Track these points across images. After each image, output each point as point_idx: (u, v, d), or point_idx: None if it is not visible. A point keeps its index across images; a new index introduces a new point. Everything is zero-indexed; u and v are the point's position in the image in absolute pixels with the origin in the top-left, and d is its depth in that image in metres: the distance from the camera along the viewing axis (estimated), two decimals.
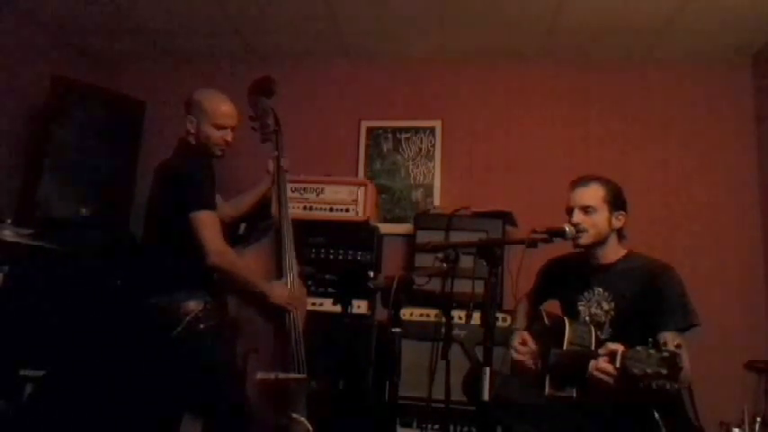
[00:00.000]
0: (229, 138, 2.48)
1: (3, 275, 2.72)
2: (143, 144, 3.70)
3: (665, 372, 1.67)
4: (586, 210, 2.22)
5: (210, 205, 2.29)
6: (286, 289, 2.51)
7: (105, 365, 2.91)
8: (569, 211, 2.25)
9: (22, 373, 2.74)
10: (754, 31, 3.41)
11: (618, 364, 1.82)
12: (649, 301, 2.11)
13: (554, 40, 3.62)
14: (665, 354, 1.68)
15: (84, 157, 3.38)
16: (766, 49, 3.57)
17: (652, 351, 1.70)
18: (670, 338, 1.94)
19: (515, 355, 2.33)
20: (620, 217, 2.26)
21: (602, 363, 1.89)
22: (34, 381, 2.75)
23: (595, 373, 1.91)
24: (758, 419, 2.91)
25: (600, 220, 2.22)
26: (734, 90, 3.70)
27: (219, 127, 2.44)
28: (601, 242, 2.25)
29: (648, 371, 1.69)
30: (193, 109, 2.44)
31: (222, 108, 2.45)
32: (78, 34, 3.85)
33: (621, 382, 1.85)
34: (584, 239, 2.22)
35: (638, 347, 1.75)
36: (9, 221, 2.83)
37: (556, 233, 2.06)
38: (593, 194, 2.23)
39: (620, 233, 2.30)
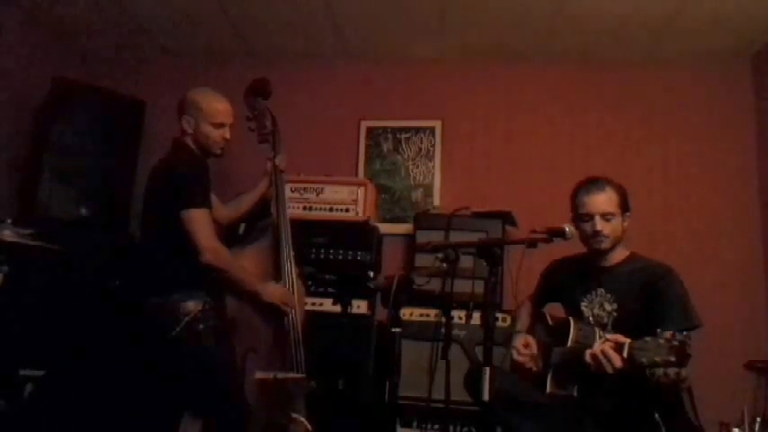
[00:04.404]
0: (228, 135, 2.49)
1: (3, 275, 2.72)
2: (143, 144, 3.69)
3: (673, 359, 1.70)
4: (606, 216, 2.22)
5: (203, 203, 2.28)
6: (280, 288, 2.51)
7: (105, 366, 2.91)
8: (587, 217, 2.23)
9: (22, 373, 2.74)
10: (754, 31, 3.41)
11: (625, 355, 1.83)
12: (651, 303, 2.12)
13: (554, 40, 3.61)
14: (675, 342, 1.71)
15: (84, 157, 3.37)
16: (766, 49, 3.57)
17: (661, 341, 1.73)
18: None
19: (516, 356, 2.33)
20: (627, 218, 2.29)
21: (607, 347, 1.89)
22: (34, 381, 2.75)
23: (598, 352, 1.90)
24: (758, 419, 2.91)
25: (617, 224, 2.24)
26: (734, 90, 3.70)
27: (218, 125, 2.45)
28: (615, 245, 2.27)
29: (657, 359, 1.73)
30: (189, 109, 2.44)
31: (219, 106, 2.46)
32: (78, 34, 3.85)
33: (627, 373, 1.86)
34: (606, 244, 2.23)
35: (647, 338, 1.78)
36: (9, 221, 2.83)
37: (556, 233, 2.05)
38: (610, 200, 2.24)
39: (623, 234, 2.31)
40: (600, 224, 2.21)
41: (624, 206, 2.27)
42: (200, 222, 2.24)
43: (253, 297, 2.41)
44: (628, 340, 1.85)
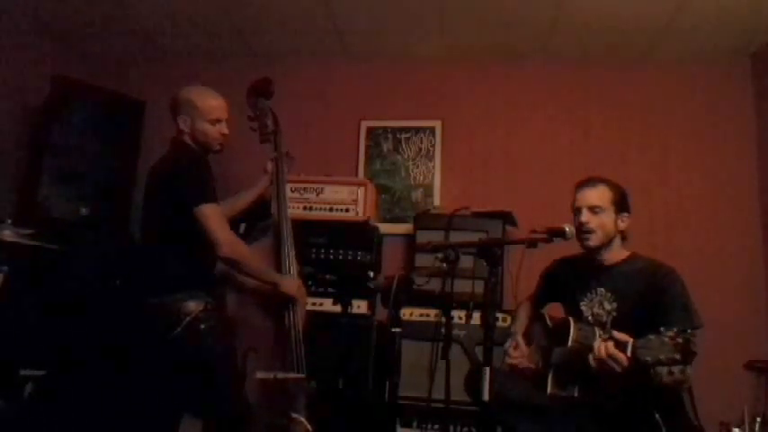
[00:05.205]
0: (225, 130, 2.48)
1: (3, 275, 2.72)
2: (143, 144, 3.69)
3: (678, 357, 1.71)
4: (594, 209, 2.24)
5: (212, 198, 2.28)
6: (295, 280, 2.52)
7: (105, 366, 2.91)
8: (577, 211, 2.27)
9: (22, 373, 2.74)
10: (754, 31, 3.41)
11: (629, 353, 1.83)
12: (651, 302, 2.13)
13: (554, 39, 3.62)
14: (679, 340, 1.71)
15: (84, 157, 3.38)
16: (765, 49, 3.57)
17: (665, 339, 1.74)
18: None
19: (508, 360, 2.35)
20: (624, 219, 2.29)
21: (611, 346, 1.89)
22: (34, 381, 2.75)
23: (604, 354, 1.89)
24: (758, 419, 2.91)
25: (607, 220, 2.24)
26: (734, 90, 3.70)
27: (215, 121, 2.45)
28: (607, 243, 2.27)
29: (661, 357, 1.73)
30: (184, 108, 2.43)
31: (214, 103, 2.46)
32: (78, 34, 3.85)
33: (631, 372, 1.86)
34: (593, 241, 2.24)
35: (651, 336, 1.78)
36: (9, 221, 2.82)
37: (556, 233, 2.06)
38: (600, 195, 2.26)
39: (623, 235, 2.32)
40: (586, 216, 2.23)
41: (619, 205, 2.27)
42: (213, 217, 2.24)
43: (264, 291, 2.41)
44: (631, 339, 1.85)
